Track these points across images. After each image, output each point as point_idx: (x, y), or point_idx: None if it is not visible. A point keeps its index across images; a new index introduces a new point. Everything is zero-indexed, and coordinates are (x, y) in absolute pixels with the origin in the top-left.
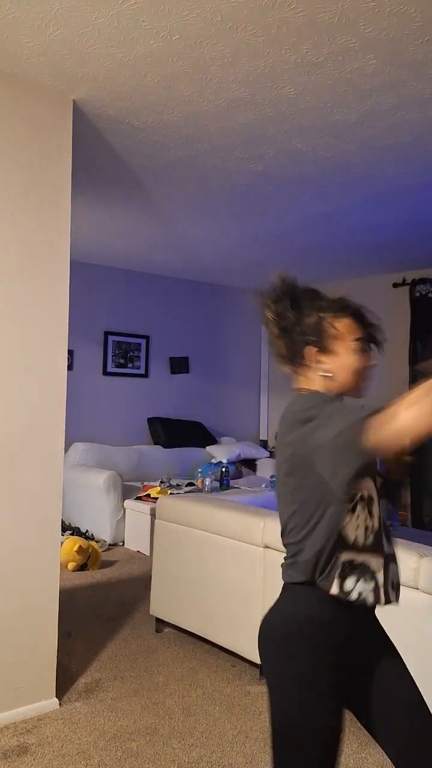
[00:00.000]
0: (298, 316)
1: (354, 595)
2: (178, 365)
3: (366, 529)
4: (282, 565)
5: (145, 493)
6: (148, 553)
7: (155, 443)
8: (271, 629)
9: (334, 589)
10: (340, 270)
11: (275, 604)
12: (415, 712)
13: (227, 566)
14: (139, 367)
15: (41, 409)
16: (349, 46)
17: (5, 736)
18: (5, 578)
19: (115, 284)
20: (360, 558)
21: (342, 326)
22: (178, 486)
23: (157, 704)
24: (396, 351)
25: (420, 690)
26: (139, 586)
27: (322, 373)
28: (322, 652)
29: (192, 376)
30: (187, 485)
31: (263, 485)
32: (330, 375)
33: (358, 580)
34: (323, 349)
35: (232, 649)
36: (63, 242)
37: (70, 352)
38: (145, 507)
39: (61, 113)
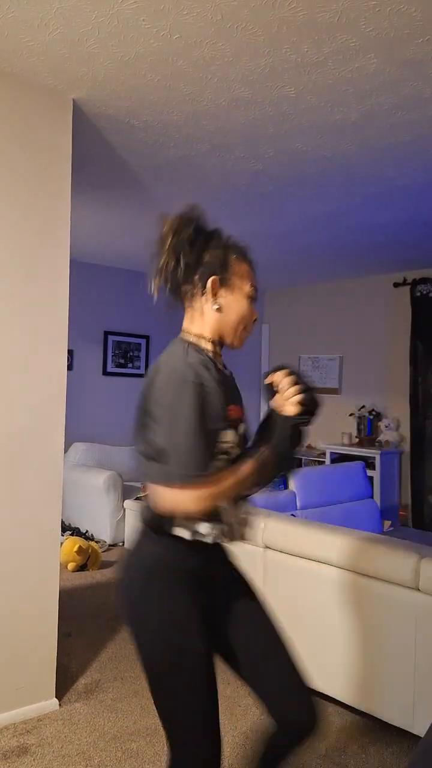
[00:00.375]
0: (204, 246)
1: (208, 538)
2: None
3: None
4: (141, 501)
5: (145, 494)
6: None
7: None
8: (131, 571)
9: (188, 535)
10: (340, 270)
11: (134, 546)
12: (272, 651)
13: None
14: (139, 367)
15: (41, 409)
16: (349, 46)
17: (5, 736)
18: (5, 578)
19: (115, 284)
20: None
21: (244, 269)
22: None
23: None
24: (396, 351)
25: (279, 629)
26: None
27: (216, 306)
28: (181, 591)
29: None
30: None
31: None
32: (221, 308)
33: (211, 523)
34: (224, 282)
35: None
36: (63, 242)
37: (70, 352)
38: None
39: (61, 113)
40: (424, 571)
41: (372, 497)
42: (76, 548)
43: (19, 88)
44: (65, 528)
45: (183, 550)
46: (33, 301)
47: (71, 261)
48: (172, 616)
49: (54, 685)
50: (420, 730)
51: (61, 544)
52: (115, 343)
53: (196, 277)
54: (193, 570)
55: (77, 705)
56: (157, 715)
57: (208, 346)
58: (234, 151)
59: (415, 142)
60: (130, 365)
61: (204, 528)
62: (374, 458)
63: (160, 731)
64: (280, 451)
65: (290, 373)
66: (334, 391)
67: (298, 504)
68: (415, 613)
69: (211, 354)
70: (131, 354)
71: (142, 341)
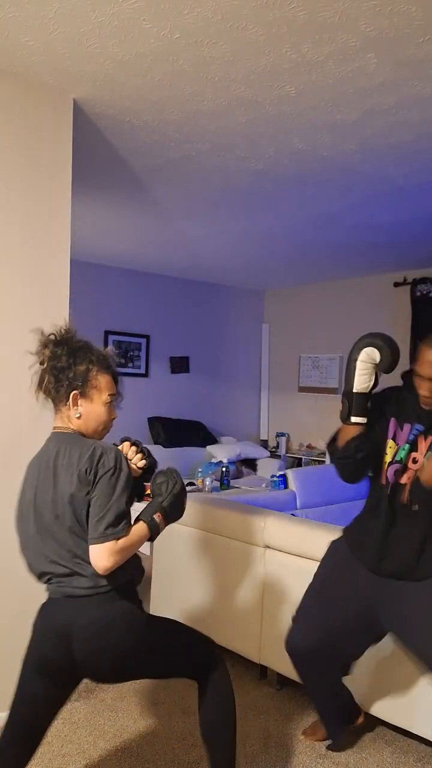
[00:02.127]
0: (71, 362)
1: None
2: (179, 365)
3: None
4: (60, 584)
5: (145, 493)
6: (148, 553)
7: (155, 443)
8: (113, 628)
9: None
10: (340, 269)
11: (95, 611)
12: None
13: (227, 566)
14: (139, 367)
15: (41, 409)
16: (349, 45)
17: None
18: (5, 578)
19: (115, 284)
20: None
21: (104, 381)
22: None
23: (157, 704)
24: None
25: None
26: (139, 586)
27: (77, 414)
28: (141, 620)
29: (192, 376)
30: (187, 485)
31: (264, 485)
32: (81, 417)
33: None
34: (83, 395)
35: (231, 649)
36: (63, 241)
37: None
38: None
39: (62, 112)
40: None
41: None
42: None
43: (19, 87)
44: None
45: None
46: (33, 300)
47: (71, 261)
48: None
49: None
50: (420, 730)
51: None
52: (115, 343)
53: (62, 389)
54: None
55: (77, 704)
56: (157, 714)
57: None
58: (234, 150)
59: (415, 141)
60: (130, 365)
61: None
62: None
63: (160, 731)
64: (168, 513)
65: (132, 444)
66: (333, 391)
67: (298, 503)
68: None
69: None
70: (131, 353)
71: (142, 341)
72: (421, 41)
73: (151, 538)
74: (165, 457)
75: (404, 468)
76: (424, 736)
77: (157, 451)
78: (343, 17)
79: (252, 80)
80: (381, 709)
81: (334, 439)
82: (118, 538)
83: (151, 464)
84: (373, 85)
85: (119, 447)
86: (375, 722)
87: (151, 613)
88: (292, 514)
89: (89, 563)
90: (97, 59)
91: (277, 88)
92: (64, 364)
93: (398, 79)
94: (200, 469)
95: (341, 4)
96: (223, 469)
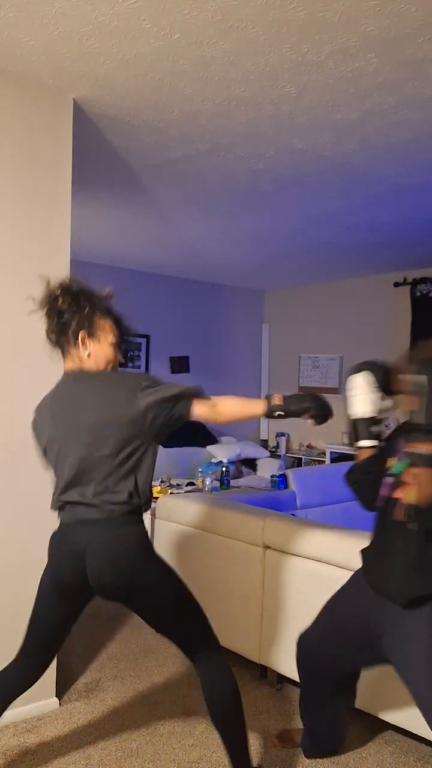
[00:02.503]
0: (76, 307)
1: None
2: (179, 365)
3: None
4: (96, 503)
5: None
6: None
7: None
8: (130, 548)
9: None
10: (340, 269)
11: (117, 533)
12: None
13: (227, 566)
14: (139, 367)
15: None
16: (349, 45)
17: (5, 735)
18: (5, 578)
19: (115, 283)
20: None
21: (108, 324)
22: (178, 485)
23: (156, 704)
24: (396, 350)
25: None
26: None
27: (86, 353)
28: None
29: (192, 376)
30: (187, 485)
31: (264, 485)
32: (90, 356)
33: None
34: (91, 335)
35: (231, 649)
36: (63, 241)
37: None
38: None
39: (62, 112)
40: None
41: None
42: None
43: (19, 87)
44: None
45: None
46: (34, 301)
47: (71, 260)
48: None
49: (54, 685)
50: (420, 730)
51: None
52: None
53: (70, 332)
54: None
55: (77, 704)
56: (157, 714)
57: None
58: (234, 150)
59: (416, 141)
60: (130, 365)
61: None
62: None
63: (160, 731)
64: (289, 396)
65: None
66: (333, 391)
67: (298, 503)
68: None
69: None
70: (131, 353)
71: (143, 341)
72: (421, 41)
73: (269, 412)
74: (164, 456)
75: (399, 482)
76: (424, 736)
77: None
78: (343, 17)
79: (252, 80)
80: (381, 709)
81: (351, 468)
82: (201, 396)
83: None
84: (373, 85)
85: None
86: (375, 722)
87: None
88: (292, 514)
89: (113, 491)
90: (97, 59)
91: (277, 87)
92: (70, 308)
93: (398, 79)
94: (200, 469)
95: (341, 4)
96: (223, 469)
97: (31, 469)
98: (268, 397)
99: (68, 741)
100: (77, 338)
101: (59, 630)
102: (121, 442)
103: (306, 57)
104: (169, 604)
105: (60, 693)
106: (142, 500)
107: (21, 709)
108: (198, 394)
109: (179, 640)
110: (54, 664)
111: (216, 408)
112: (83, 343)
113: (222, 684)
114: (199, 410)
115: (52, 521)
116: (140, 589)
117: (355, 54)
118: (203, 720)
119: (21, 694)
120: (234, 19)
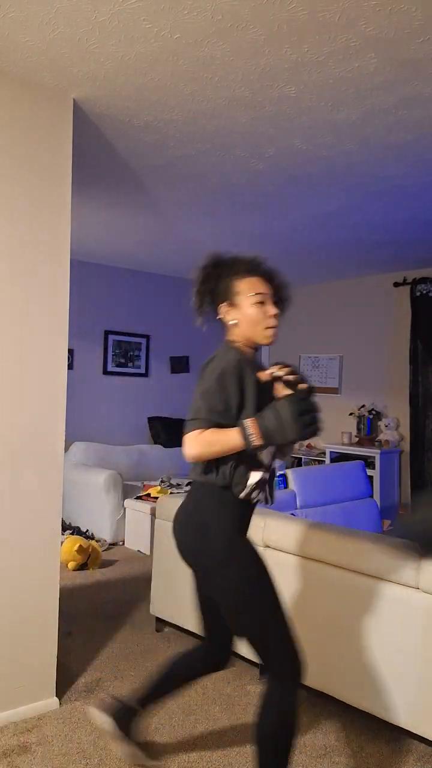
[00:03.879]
0: (217, 281)
1: (255, 500)
2: (178, 365)
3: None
4: (196, 467)
5: (145, 493)
6: (148, 553)
7: (155, 442)
8: (204, 523)
9: (244, 495)
10: (340, 269)
11: (193, 497)
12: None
13: None
14: (139, 367)
15: (41, 409)
16: (349, 45)
17: (6, 735)
18: (5, 578)
19: (115, 283)
20: (262, 475)
21: (244, 284)
22: (178, 485)
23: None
24: (396, 350)
25: None
26: (139, 585)
27: (231, 322)
28: (241, 535)
29: (192, 376)
30: (187, 485)
31: None
32: (235, 323)
33: (258, 491)
34: (231, 304)
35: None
36: (63, 241)
37: (70, 352)
38: (145, 506)
39: (62, 112)
40: (424, 570)
41: (372, 496)
42: (76, 547)
43: (19, 87)
44: (65, 527)
45: (237, 504)
46: (33, 300)
47: (71, 260)
48: (245, 553)
49: (54, 684)
50: (420, 730)
51: (62, 543)
52: (115, 343)
53: (211, 306)
54: (243, 519)
55: (77, 704)
56: (157, 714)
57: (245, 349)
58: (234, 150)
59: (415, 141)
60: (130, 365)
61: (254, 493)
62: (374, 457)
63: (160, 731)
64: (265, 423)
65: (283, 366)
66: (333, 391)
67: (298, 503)
68: (415, 612)
69: (247, 354)
70: (131, 353)
71: (143, 340)
72: (421, 41)
73: (247, 445)
74: (165, 456)
75: None
76: (424, 736)
77: (157, 450)
78: (343, 17)
79: (252, 80)
80: (381, 708)
81: None
82: (198, 429)
83: (296, 382)
84: (373, 85)
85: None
86: (375, 722)
87: (150, 610)
88: (292, 514)
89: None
90: (97, 59)
91: (277, 88)
92: (208, 283)
93: (398, 79)
94: None
95: (341, 4)
96: None
97: (31, 470)
98: (242, 427)
99: (68, 740)
100: (218, 311)
101: (208, 608)
102: None
103: (306, 57)
104: (230, 595)
105: (60, 692)
106: (217, 476)
107: (21, 708)
108: (197, 425)
109: (249, 645)
110: (54, 663)
111: (201, 446)
112: (226, 314)
113: (273, 712)
114: (187, 452)
115: (52, 521)
116: (200, 564)
117: (355, 54)
118: (203, 720)
119: (207, 674)
120: (234, 19)
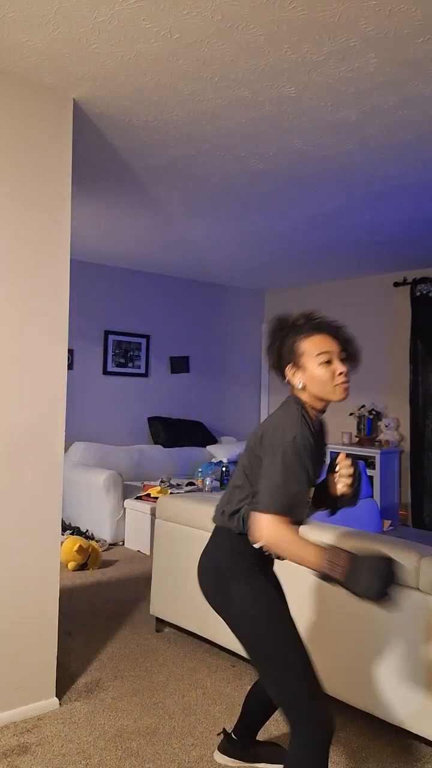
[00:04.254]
0: (282, 343)
1: (267, 553)
2: (178, 365)
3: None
4: (223, 513)
5: (145, 493)
6: (148, 553)
7: (155, 443)
8: (219, 567)
9: (258, 546)
10: (340, 269)
11: (217, 544)
12: None
13: None
14: (139, 367)
15: (41, 409)
16: (349, 45)
17: (5, 735)
18: (5, 578)
19: (115, 284)
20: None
21: (309, 344)
22: (178, 485)
23: (157, 704)
24: (396, 350)
25: None
26: (139, 586)
27: (300, 385)
28: (261, 573)
29: (192, 376)
30: (187, 485)
31: None
32: (303, 386)
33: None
34: (296, 366)
35: (232, 649)
36: (63, 241)
37: (70, 352)
38: (145, 506)
39: (62, 112)
40: (424, 570)
41: (372, 497)
42: (76, 547)
43: (19, 87)
44: (65, 527)
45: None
46: (33, 300)
47: (71, 261)
48: (264, 590)
49: (54, 684)
50: (420, 730)
51: (62, 543)
52: (115, 343)
53: (279, 367)
54: (261, 561)
55: (77, 704)
56: (157, 714)
57: (310, 411)
58: (234, 150)
59: (415, 141)
60: (130, 365)
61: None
62: (374, 457)
63: (160, 730)
64: (357, 564)
65: (352, 461)
66: None
67: None
68: (415, 612)
69: (311, 416)
70: (131, 353)
71: (143, 340)
72: (421, 41)
73: (323, 570)
74: (165, 456)
75: None
76: (424, 736)
77: (157, 451)
78: (343, 17)
79: (252, 80)
80: (381, 709)
81: None
82: (281, 515)
83: (354, 493)
84: (373, 85)
85: (337, 457)
86: (375, 722)
87: (150, 610)
88: None
89: (236, 504)
90: (97, 59)
91: (277, 88)
92: (276, 344)
93: (398, 79)
94: (200, 469)
95: (341, 4)
96: (223, 469)
97: (31, 470)
98: (329, 554)
99: (68, 740)
100: (284, 374)
101: None
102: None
103: (306, 57)
104: (247, 636)
105: (60, 693)
106: (237, 524)
107: (21, 708)
108: (274, 510)
109: (269, 692)
110: (54, 664)
111: (277, 534)
112: (292, 376)
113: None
114: (259, 531)
115: (52, 521)
116: (218, 602)
117: (355, 54)
118: (203, 720)
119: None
120: (234, 19)
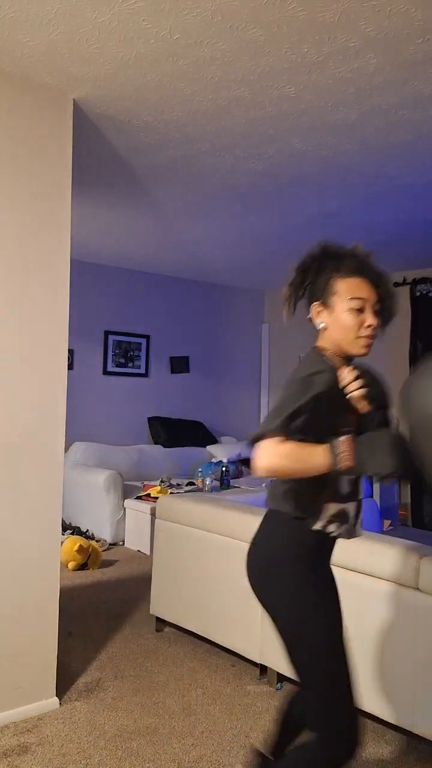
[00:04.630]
0: (316, 275)
1: (334, 533)
2: (179, 365)
3: (349, 482)
4: (274, 492)
5: (145, 493)
6: (148, 553)
7: (155, 443)
8: (270, 556)
9: (318, 526)
10: None
11: (267, 531)
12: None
13: (227, 566)
14: (139, 367)
15: (42, 409)
16: (349, 46)
17: (5, 735)
18: (5, 578)
19: (115, 284)
20: (342, 506)
21: (345, 285)
22: (178, 485)
23: (157, 704)
24: (396, 350)
25: None
26: (139, 585)
27: (321, 325)
28: (313, 571)
29: (192, 376)
30: (187, 485)
31: (263, 485)
32: (324, 327)
33: (339, 524)
34: (324, 305)
35: (232, 649)
36: (63, 242)
37: (70, 352)
38: (145, 506)
39: (62, 112)
40: (424, 570)
41: (372, 496)
42: (76, 547)
43: (19, 87)
44: (65, 527)
45: (311, 536)
46: (33, 300)
47: (71, 261)
48: (306, 590)
49: (54, 684)
50: (420, 730)
51: (62, 543)
52: (115, 343)
53: (309, 302)
54: (316, 553)
55: (77, 704)
56: (157, 714)
57: (332, 356)
58: (234, 150)
59: (415, 141)
60: (130, 365)
61: (332, 527)
62: None
63: (160, 730)
64: (362, 443)
65: (353, 369)
66: None
67: None
68: (415, 612)
69: (333, 362)
70: (131, 353)
71: (143, 340)
72: (421, 41)
73: (333, 465)
74: (165, 456)
75: None
76: (424, 736)
77: (157, 450)
78: (343, 17)
79: (252, 80)
80: (381, 708)
81: None
82: (276, 437)
83: (373, 397)
84: (372, 85)
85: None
86: (375, 722)
87: (151, 610)
88: None
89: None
90: (97, 59)
91: (277, 88)
92: (306, 276)
93: (398, 79)
94: (200, 469)
95: (341, 4)
96: (223, 468)
97: (31, 470)
98: (332, 445)
99: (68, 740)
100: (309, 311)
101: None
102: None
103: (306, 57)
104: (285, 636)
105: (60, 693)
106: (291, 505)
107: (21, 708)
108: (269, 431)
109: (303, 702)
110: (54, 663)
111: (276, 458)
112: (316, 315)
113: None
114: (256, 461)
115: (52, 521)
116: (262, 599)
117: (355, 54)
118: (203, 720)
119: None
120: (234, 20)
